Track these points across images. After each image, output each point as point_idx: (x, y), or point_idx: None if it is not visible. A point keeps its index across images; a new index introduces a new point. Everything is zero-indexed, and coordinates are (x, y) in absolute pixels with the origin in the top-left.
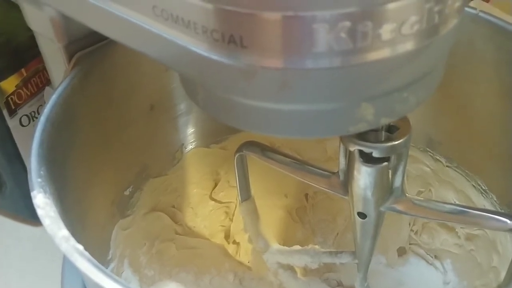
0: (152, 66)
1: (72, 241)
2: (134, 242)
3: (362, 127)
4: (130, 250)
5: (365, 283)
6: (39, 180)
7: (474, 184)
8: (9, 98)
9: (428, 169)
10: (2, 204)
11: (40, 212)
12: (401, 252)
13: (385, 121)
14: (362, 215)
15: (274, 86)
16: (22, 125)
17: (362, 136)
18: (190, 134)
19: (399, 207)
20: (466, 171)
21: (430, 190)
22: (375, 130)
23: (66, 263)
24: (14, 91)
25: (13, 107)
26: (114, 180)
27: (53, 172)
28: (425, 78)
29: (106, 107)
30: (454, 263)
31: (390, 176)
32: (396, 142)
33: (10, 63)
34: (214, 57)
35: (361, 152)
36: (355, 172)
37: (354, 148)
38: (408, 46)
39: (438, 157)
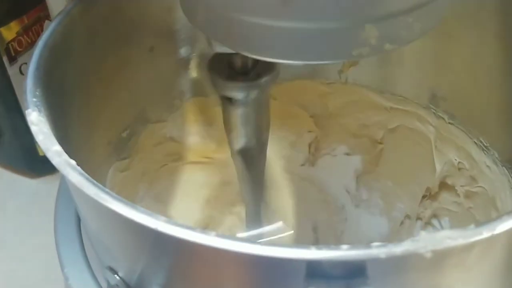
0: (155, 4)
1: (65, 156)
2: (131, 185)
3: (365, 52)
4: (126, 193)
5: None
6: (34, 99)
7: (476, 141)
8: (9, 45)
9: (431, 126)
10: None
11: (34, 128)
12: None
13: (388, 47)
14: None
15: (276, 0)
16: (22, 74)
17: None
18: (189, 82)
19: None
20: (469, 128)
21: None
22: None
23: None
24: (15, 37)
25: (13, 54)
26: (112, 119)
27: (48, 97)
28: (430, 5)
29: (105, 41)
30: (452, 221)
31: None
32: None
33: (11, 9)
34: None
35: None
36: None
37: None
38: None
39: (440, 114)
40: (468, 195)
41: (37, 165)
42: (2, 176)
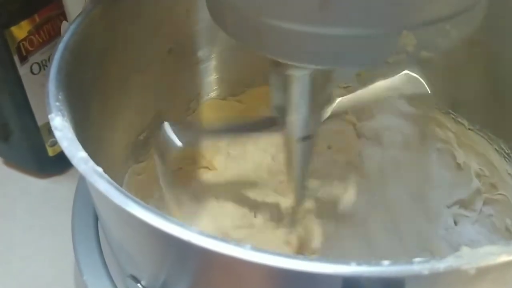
0: (173, 5)
1: (91, 162)
2: (146, 188)
3: (401, 59)
4: (141, 196)
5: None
6: (57, 103)
7: (496, 147)
8: (20, 44)
9: (450, 132)
10: (9, 155)
11: (58, 134)
12: None
13: (424, 54)
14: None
15: (313, 6)
16: (33, 73)
17: None
18: (206, 84)
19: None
20: (489, 134)
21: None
22: None
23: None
24: (26, 37)
25: (24, 54)
26: (129, 121)
27: (69, 101)
28: (467, 13)
29: (124, 43)
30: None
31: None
32: None
33: (23, 8)
34: None
35: None
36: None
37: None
38: None
39: (460, 120)
40: (488, 202)
41: (46, 164)
42: (11, 176)
